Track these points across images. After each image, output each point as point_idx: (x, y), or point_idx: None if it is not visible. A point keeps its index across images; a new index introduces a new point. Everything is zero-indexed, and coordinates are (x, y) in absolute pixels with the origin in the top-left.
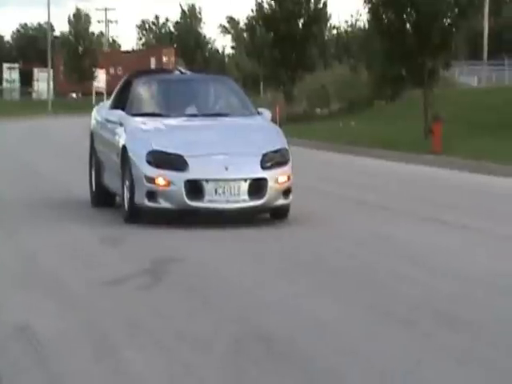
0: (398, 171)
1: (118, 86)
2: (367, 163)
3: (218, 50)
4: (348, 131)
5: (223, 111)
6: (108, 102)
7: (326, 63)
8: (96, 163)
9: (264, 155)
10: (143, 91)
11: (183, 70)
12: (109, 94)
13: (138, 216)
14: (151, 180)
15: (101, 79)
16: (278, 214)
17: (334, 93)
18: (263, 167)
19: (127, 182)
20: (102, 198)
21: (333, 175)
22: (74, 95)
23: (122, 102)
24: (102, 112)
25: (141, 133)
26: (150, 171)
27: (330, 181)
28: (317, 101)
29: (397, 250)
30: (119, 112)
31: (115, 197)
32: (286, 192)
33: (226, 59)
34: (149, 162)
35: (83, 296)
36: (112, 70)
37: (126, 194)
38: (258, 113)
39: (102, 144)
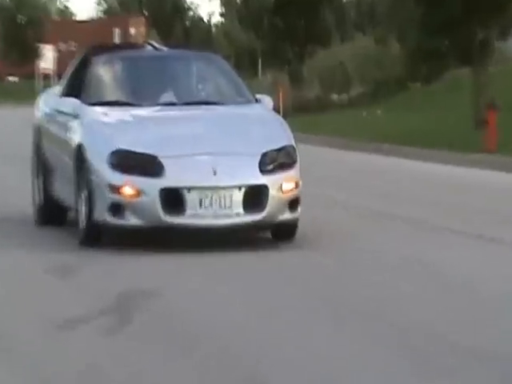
0: (439, 175)
1: (72, 67)
2: (399, 165)
3: (202, 19)
4: (374, 123)
5: (210, 98)
6: (58, 88)
7: (344, 34)
8: (43, 168)
9: (264, 155)
10: (105, 73)
11: (157, 45)
12: (59, 77)
13: (97, 237)
14: (115, 189)
15: (48, 58)
16: (282, 233)
17: (355, 73)
18: (263, 171)
19: (84, 193)
20: (50, 214)
21: (354, 181)
22: (12, 79)
23: (77, 87)
24: (50, 101)
25: (101, 127)
26: (114, 177)
27: (350, 189)
28: (333, 84)
29: (439, 279)
30: (73, 100)
31: (66, 212)
32: (293, 203)
33: (214, 30)
34: (112, 166)
35: (25, 345)
36: (63, 46)
37: (82, 208)
38: (256, 100)
39: (50, 142)
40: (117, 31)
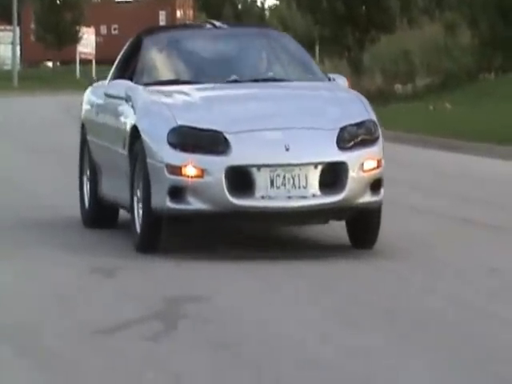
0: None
1: (123, 51)
2: (473, 164)
3: (255, 1)
4: (442, 117)
5: (278, 76)
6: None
7: (410, 20)
8: (90, 166)
9: (342, 130)
10: (160, 53)
11: (218, 23)
12: (100, 63)
13: (157, 228)
14: (176, 170)
15: (88, 42)
16: (362, 220)
17: (421, 62)
18: (341, 147)
19: (140, 183)
20: (100, 215)
21: (423, 182)
22: (49, 64)
23: (129, 70)
24: (99, 93)
25: (158, 106)
26: (175, 157)
27: (422, 190)
28: (397, 73)
29: None
30: (124, 82)
31: (118, 213)
32: (375, 184)
33: (267, 14)
34: (172, 145)
35: (67, 350)
36: (104, 29)
37: (139, 199)
38: (329, 79)
39: (99, 136)
40: (162, 14)
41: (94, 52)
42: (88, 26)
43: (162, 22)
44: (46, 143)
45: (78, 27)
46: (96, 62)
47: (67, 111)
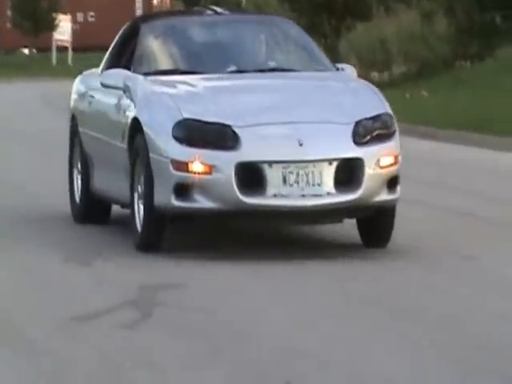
0: (494, 163)
1: (117, 38)
2: (449, 151)
3: None
4: (418, 105)
5: (285, 65)
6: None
7: (387, 8)
8: (82, 159)
9: (357, 123)
10: (159, 40)
11: (219, 10)
12: (76, 50)
13: (161, 226)
14: (182, 166)
15: (65, 29)
16: (378, 220)
17: (398, 51)
18: (357, 142)
19: (141, 176)
20: (92, 210)
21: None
22: (25, 51)
23: (125, 58)
24: (90, 82)
25: (161, 97)
26: (180, 152)
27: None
28: (373, 61)
29: None
30: (122, 71)
31: (110, 208)
32: (392, 182)
33: (244, 1)
34: (177, 139)
35: (44, 337)
36: (80, 17)
37: (140, 196)
38: (337, 69)
39: (92, 128)
40: (139, 1)
41: (70, 39)
42: (64, 13)
43: (139, 10)
44: (23, 130)
45: (54, 14)
46: (72, 50)
47: (46, 99)
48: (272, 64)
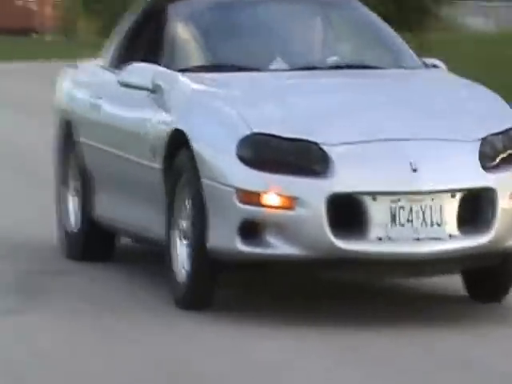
0: None
1: (130, 23)
2: None
3: None
4: None
5: (366, 62)
6: (102, 59)
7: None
8: (81, 177)
9: (484, 141)
10: (196, 26)
11: None
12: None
13: (212, 284)
14: (252, 197)
15: None
16: (497, 269)
17: None
18: (485, 166)
19: (184, 207)
20: (93, 242)
21: None
22: None
23: (144, 51)
24: (88, 78)
25: (214, 102)
26: (249, 179)
27: None
28: None
29: None
30: (150, 67)
31: (114, 241)
32: None
33: None
34: (244, 160)
35: None
36: None
37: (183, 235)
38: (426, 65)
39: (100, 139)
40: None
41: None
42: None
43: None
44: None
45: None
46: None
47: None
48: (354, 59)
